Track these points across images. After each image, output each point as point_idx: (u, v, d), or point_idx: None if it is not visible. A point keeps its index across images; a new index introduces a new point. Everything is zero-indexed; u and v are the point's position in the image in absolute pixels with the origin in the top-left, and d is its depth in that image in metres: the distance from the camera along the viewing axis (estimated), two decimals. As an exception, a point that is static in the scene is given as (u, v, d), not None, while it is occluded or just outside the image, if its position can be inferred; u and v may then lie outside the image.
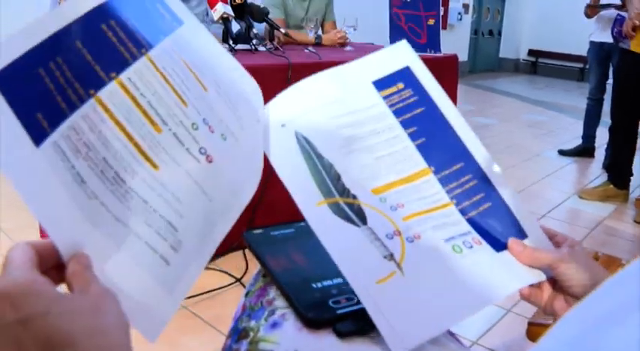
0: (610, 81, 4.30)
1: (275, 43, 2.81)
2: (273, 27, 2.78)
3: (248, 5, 2.67)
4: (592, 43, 4.52)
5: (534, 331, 1.18)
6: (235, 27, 2.70)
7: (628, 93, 3.46)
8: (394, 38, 3.30)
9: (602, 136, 4.72)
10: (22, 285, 0.37)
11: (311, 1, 3.53)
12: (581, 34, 9.21)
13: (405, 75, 0.74)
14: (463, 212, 0.68)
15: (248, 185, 0.61)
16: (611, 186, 3.71)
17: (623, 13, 3.41)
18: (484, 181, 0.70)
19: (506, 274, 0.64)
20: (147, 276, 0.48)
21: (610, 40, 4.06)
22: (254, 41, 2.69)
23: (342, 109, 0.70)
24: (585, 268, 0.63)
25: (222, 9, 2.53)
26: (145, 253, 0.48)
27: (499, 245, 0.66)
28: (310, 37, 3.21)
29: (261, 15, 2.70)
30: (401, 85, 0.73)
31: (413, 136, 0.71)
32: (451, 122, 0.73)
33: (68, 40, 0.47)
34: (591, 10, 4.28)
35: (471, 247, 0.65)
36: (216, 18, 2.57)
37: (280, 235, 0.73)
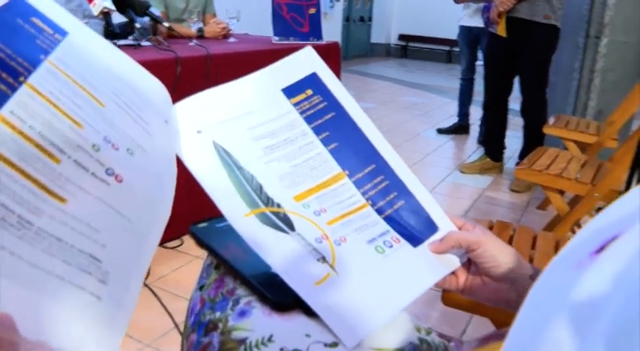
0: (479, 62, 4.60)
1: (159, 37, 2.74)
2: (156, 21, 2.71)
3: (128, -1, 2.58)
4: (461, 27, 4.79)
5: (449, 296, 1.26)
6: (116, 21, 2.61)
7: (496, 73, 3.71)
8: (277, 28, 3.33)
9: (475, 114, 5.05)
10: None
11: (191, -8, 3.47)
12: (447, 19, 9.68)
13: (312, 81, 0.76)
14: (379, 212, 0.71)
15: (167, 192, 0.59)
16: (488, 159, 3.98)
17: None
18: (395, 180, 0.74)
19: (426, 268, 0.69)
20: (80, 317, 0.45)
21: (477, 24, 4.35)
22: (135, 35, 2.60)
23: (256, 119, 0.71)
24: (502, 250, 0.68)
25: (101, 3, 2.44)
26: (71, 293, 0.45)
27: (415, 240, 0.71)
28: (193, 29, 3.16)
29: (143, 8, 2.62)
30: (310, 92, 0.75)
31: (325, 142, 0.73)
32: (360, 125, 0.76)
33: None
34: None
35: (391, 246, 0.69)
36: (95, 13, 2.47)
37: (225, 226, 0.74)
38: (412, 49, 11.98)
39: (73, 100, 0.51)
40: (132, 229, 0.52)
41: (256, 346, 0.58)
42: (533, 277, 0.68)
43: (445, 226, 0.73)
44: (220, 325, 0.62)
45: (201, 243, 0.72)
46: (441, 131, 5.22)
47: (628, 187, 1.99)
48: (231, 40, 3.33)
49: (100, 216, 0.49)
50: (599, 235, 0.35)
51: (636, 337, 0.25)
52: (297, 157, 0.71)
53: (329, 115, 0.75)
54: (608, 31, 3.54)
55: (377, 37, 12.07)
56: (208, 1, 3.64)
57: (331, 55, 3.55)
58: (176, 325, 1.93)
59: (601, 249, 0.33)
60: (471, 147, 4.82)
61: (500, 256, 0.68)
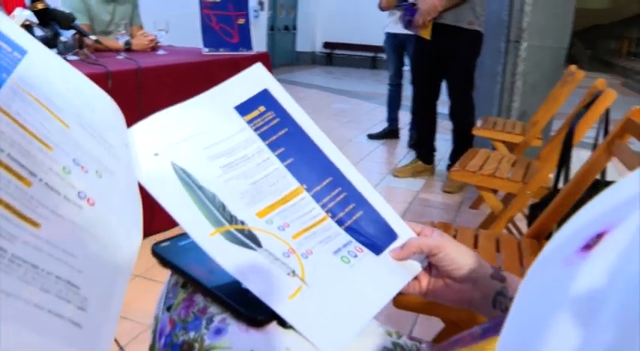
0: (406, 68, 4.71)
1: (85, 50, 2.67)
2: (82, 34, 2.63)
3: (52, 11, 2.49)
4: (387, 34, 4.89)
5: (400, 298, 1.28)
6: (38, 34, 2.51)
7: (424, 78, 3.81)
8: (207, 40, 3.30)
9: (403, 118, 5.17)
10: None
11: (116, 5, 3.39)
12: (371, 25, 9.85)
13: (264, 98, 0.76)
14: (340, 223, 0.72)
15: (137, 214, 0.58)
16: (420, 162, 4.07)
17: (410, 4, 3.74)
18: (352, 192, 0.75)
19: (390, 274, 0.71)
20: (62, 347, 0.43)
21: (403, 31, 4.44)
22: (59, 49, 2.52)
23: (212, 138, 0.71)
24: (461, 252, 0.71)
25: (22, 15, 2.33)
26: (51, 323, 0.43)
27: (377, 249, 0.72)
28: (120, 42, 3.09)
29: (68, 21, 2.54)
30: (262, 109, 0.75)
31: (281, 157, 0.73)
32: (314, 139, 0.77)
33: None
34: (385, 4, 4.62)
35: (356, 256, 0.70)
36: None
37: (188, 244, 0.73)
38: (337, 56, 12.14)
39: (39, 121, 0.48)
40: (107, 253, 0.51)
41: None
42: (493, 276, 0.71)
43: (404, 233, 0.75)
44: (196, 345, 0.61)
45: (166, 262, 0.70)
46: (371, 137, 5.30)
47: (556, 183, 2.09)
48: (161, 52, 3.27)
49: (74, 240, 0.47)
50: (582, 232, 0.38)
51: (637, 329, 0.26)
52: (255, 175, 0.71)
53: (283, 131, 0.75)
54: (527, 36, 3.71)
55: (302, 45, 12.16)
56: (134, 13, 3.57)
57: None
58: (121, 348, 1.87)
59: (587, 246, 0.36)
60: (402, 151, 4.93)
61: (460, 258, 0.70)
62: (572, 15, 3.80)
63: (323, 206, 0.73)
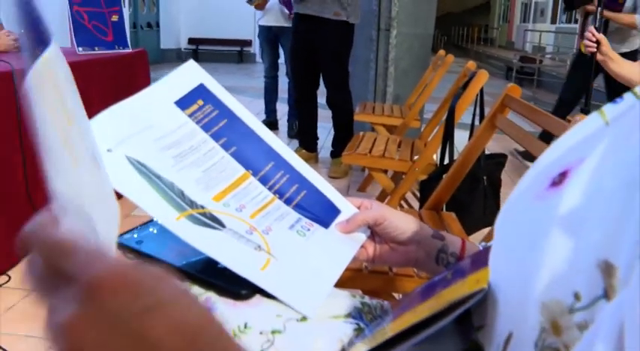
0: (281, 60, 4.78)
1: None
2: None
3: None
4: (261, 27, 4.91)
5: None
6: None
7: (302, 69, 3.89)
8: (80, 38, 3.15)
9: (281, 109, 5.23)
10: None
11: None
12: (236, 20, 9.83)
13: (201, 92, 0.80)
14: (287, 202, 0.78)
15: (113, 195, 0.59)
16: (303, 151, 4.15)
17: None
18: (294, 174, 0.81)
19: (342, 244, 0.78)
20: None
21: (276, 23, 4.51)
22: None
23: (159, 132, 0.73)
24: (402, 218, 0.78)
25: None
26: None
27: (324, 223, 0.79)
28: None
29: None
30: (201, 102, 0.79)
31: (225, 146, 0.77)
32: (252, 127, 0.81)
33: None
34: (258, 5, 4.65)
35: (309, 229, 0.77)
36: None
37: (148, 235, 0.74)
38: (203, 52, 11.99)
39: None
40: (108, 210, 0.51)
41: (234, 335, 0.60)
42: (434, 236, 0.79)
43: (345, 207, 0.82)
44: None
45: (134, 252, 0.71)
46: (251, 129, 5.31)
47: (442, 159, 2.26)
48: (29, 53, 3.09)
49: (97, 189, 0.48)
50: (546, 173, 0.47)
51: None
52: (204, 163, 0.74)
53: (223, 122, 0.79)
54: (396, 24, 3.92)
55: (166, 42, 11.88)
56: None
57: (139, 63, 3.47)
58: None
59: (554, 183, 0.45)
60: (283, 141, 4.94)
61: (402, 223, 0.78)
62: (436, 3, 4.06)
63: (270, 188, 0.77)
